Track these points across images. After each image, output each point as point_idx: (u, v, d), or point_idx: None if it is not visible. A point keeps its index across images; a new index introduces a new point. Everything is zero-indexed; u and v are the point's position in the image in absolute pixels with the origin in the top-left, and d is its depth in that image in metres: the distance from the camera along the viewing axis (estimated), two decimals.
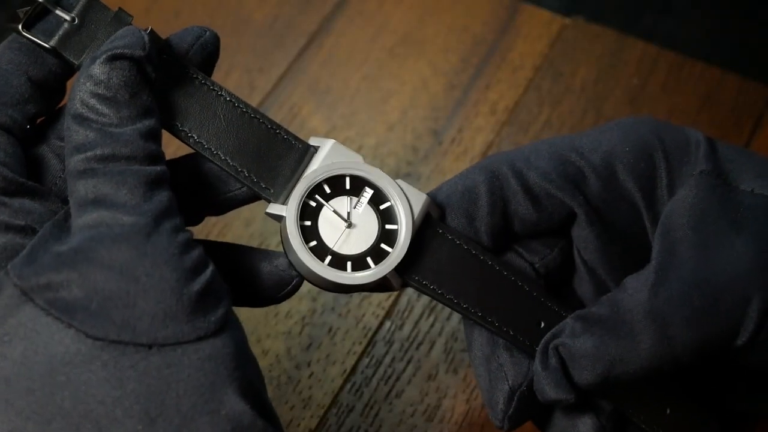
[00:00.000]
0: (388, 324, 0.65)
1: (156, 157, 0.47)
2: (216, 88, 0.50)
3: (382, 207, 0.52)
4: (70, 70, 0.50)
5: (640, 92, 0.75)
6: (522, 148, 0.54)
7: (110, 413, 0.42)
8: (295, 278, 0.51)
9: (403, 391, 0.62)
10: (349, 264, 0.51)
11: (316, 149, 0.51)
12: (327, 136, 0.52)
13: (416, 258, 0.51)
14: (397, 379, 0.63)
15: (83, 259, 0.43)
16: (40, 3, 0.49)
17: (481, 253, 0.52)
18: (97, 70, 0.47)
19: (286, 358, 0.63)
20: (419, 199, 0.52)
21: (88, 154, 0.46)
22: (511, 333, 0.52)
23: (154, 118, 0.47)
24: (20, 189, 0.47)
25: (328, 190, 0.51)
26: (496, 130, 0.73)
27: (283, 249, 0.51)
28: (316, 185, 0.51)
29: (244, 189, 0.51)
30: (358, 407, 0.61)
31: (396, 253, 0.51)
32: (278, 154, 0.51)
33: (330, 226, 0.51)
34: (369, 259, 0.51)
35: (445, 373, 0.63)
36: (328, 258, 0.50)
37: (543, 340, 0.52)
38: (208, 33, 0.51)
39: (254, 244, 0.67)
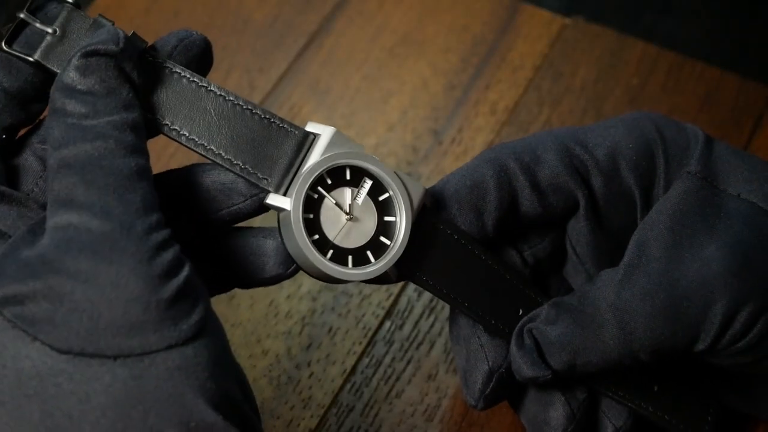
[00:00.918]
0: (388, 324, 0.65)
1: (134, 149, 0.46)
2: (204, 84, 0.50)
3: (380, 198, 0.51)
4: (50, 78, 0.49)
5: (640, 92, 0.75)
6: (526, 139, 0.54)
7: (77, 427, 0.41)
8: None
9: (403, 391, 0.62)
10: (350, 258, 0.50)
11: (315, 136, 0.51)
12: None
13: (411, 250, 0.51)
14: (397, 379, 0.63)
15: (49, 269, 0.42)
16: (21, 18, 0.48)
17: (469, 243, 0.53)
18: (72, 67, 0.46)
19: (286, 358, 0.63)
20: (417, 191, 0.52)
21: (63, 151, 0.45)
22: (493, 322, 0.53)
23: (134, 112, 0.47)
24: None
25: (329, 181, 0.51)
26: (496, 130, 0.73)
27: (281, 238, 0.50)
28: (319, 177, 0.50)
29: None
30: (358, 407, 0.61)
31: (396, 248, 0.51)
32: (274, 143, 0.50)
33: (331, 219, 0.50)
34: (369, 253, 0.51)
35: (445, 373, 0.63)
36: (330, 252, 0.50)
37: (519, 324, 0.53)
38: (193, 35, 0.50)
39: None
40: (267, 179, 0.50)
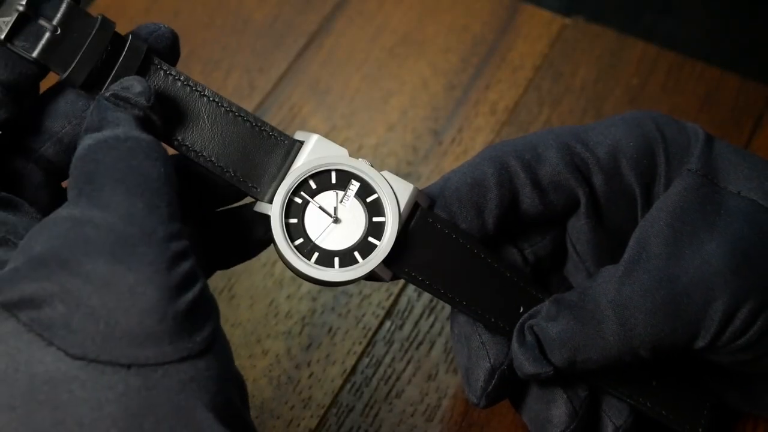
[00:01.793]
0: (388, 324, 0.65)
1: (162, 155, 0.46)
2: (199, 89, 0.50)
3: (368, 200, 0.52)
4: (42, 71, 0.49)
5: (640, 92, 0.75)
6: (527, 137, 0.54)
7: None
8: None
9: (403, 391, 0.62)
10: (336, 260, 0.51)
11: (302, 144, 0.51)
12: (327, 136, 0.52)
13: (405, 249, 0.52)
14: (397, 379, 0.63)
15: (66, 270, 0.42)
16: (22, 13, 0.48)
17: (468, 241, 0.53)
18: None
19: (286, 358, 0.63)
20: (406, 190, 0.52)
21: (95, 135, 0.45)
22: (493, 320, 0.53)
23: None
24: None
25: (314, 186, 0.51)
26: (496, 130, 0.73)
27: (273, 245, 0.51)
28: (301, 182, 0.51)
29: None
30: (358, 407, 0.61)
31: (382, 247, 0.51)
32: (264, 152, 0.51)
33: (317, 223, 0.51)
34: (357, 254, 0.51)
35: (445, 373, 0.63)
36: (315, 255, 0.50)
37: (520, 321, 0.53)
38: (161, 28, 0.50)
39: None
40: (256, 188, 0.51)
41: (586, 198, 0.54)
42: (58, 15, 0.48)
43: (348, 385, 0.62)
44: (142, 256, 0.42)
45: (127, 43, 0.49)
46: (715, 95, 0.75)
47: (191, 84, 0.50)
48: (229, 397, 0.43)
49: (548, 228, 0.55)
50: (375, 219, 0.51)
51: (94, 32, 0.48)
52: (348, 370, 0.63)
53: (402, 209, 0.51)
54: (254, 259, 0.56)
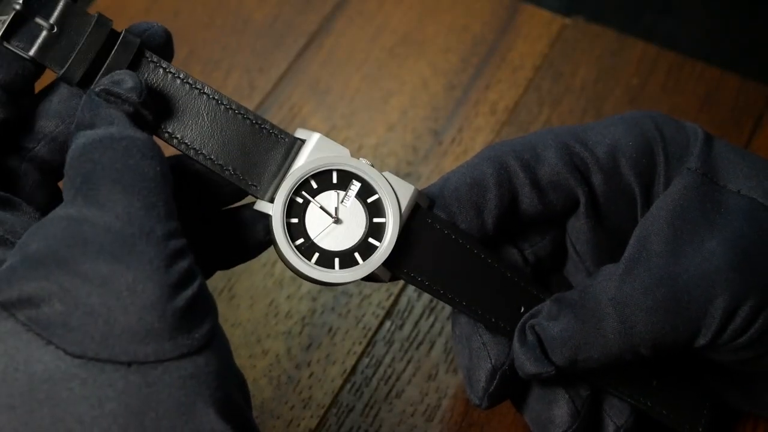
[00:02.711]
0: (388, 324, 0.65)
1: (158, 154, 0.46)
2: (198, 86, 0.50)
3: (369, 200, 0.51)
4: (39, 70, 0.49)
5: (640, 92, 0.75)
6: (527, 137, 0.55)
7: None
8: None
9: (403, 391, 0.62)
10: (336, 261, 0.51)
11: (303, 142, 0.51)
12: (327, 136, 0.52)
13: (405, 250, 0.51)
14: (397, 379, 0.63)
15: (63, 270, 0.42)
16: (18, 11, 0.48)
17: (467, 242, 0.53)
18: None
19: (286, 358, 0.63)
20: (407, 191, 0.52)
21: (89, 133, 0.45)
22: (493, 320, 0.53)
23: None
24: None
25: (315, 186, 0.51)
26: (496, 130, 0.73)
27: (273, 245, 0.51)
28: (302, 181, 0.51)
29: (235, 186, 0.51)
30: (358, 407, 0.61)
31: (382, 249, 0.51)
32: (264, 150, 0.51)
33: (317, 223, 0.51)
34: (357, 255, 0.51)
35: (445, 373, 0.63)
36: (316, 256, 0.50)
37: (521, 321, 0.53)
38: (155, 26, 0.50)
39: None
40: (256, 186, 0.50)
41: (585, 198, 0.54)
42: (55, 13, 0.48)
43: (348, 385, 0.62)
44: (141, 255, 0.42)
45: (120, 38, 0.49)
46: (715, 95, 0.75)
47: (190, 81, 0.50)
48: (229, 393, 0.43)
49: (548, 228, 0.55)
50: (375, 220, 0.51)
51: (90, 29, 0.48)
52: (348, 370, 0.63)
53: (403, 210, 0.51)
54: (254, 259, 0.56)
